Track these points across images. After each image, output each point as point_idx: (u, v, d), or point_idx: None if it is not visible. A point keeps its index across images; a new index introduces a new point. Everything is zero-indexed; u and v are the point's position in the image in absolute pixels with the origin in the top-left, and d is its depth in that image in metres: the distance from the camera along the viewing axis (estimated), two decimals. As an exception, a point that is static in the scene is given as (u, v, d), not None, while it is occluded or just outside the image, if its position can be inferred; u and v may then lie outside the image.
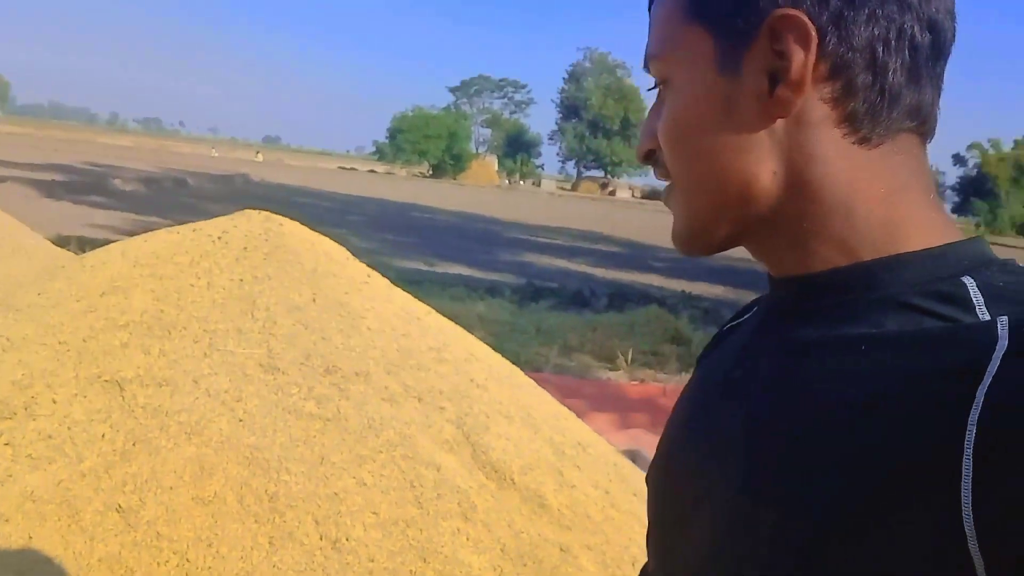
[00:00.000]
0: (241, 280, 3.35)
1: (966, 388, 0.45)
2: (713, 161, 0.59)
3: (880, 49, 0.54)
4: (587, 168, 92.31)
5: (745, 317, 0.74)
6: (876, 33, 0.54)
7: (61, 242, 8.21)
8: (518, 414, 3.54)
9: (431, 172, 78.04)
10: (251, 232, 3.63)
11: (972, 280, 0.52)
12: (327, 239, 3.91)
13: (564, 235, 22.05)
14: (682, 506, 0.63)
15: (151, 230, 4.10)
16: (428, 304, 3.97)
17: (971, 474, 0.43)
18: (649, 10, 0.65)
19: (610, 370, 6.89)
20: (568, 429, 3.78)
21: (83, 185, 20.80)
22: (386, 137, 78.42)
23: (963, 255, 0.55)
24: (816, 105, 0.56)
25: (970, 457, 0.43)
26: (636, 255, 18.47)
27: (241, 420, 2.87)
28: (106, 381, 2.86)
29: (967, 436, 0.43)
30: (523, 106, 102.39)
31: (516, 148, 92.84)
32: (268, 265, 3.45)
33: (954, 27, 0.57)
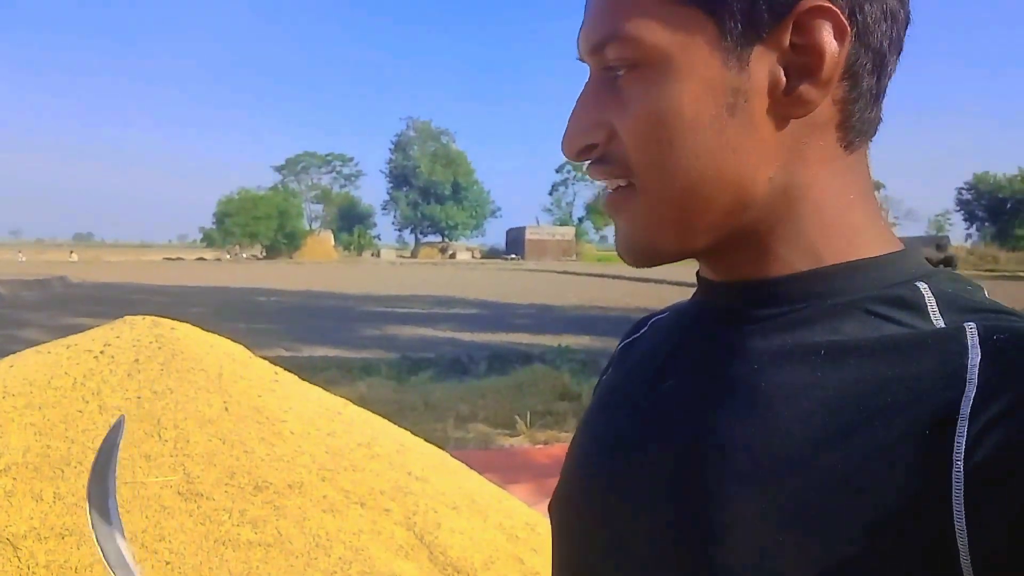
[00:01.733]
0: (139, 397, 2.94)
1: (946, 400, 0.45)
2: (709, 163, 0.53)
3: (885, 49, 0.53)
4: (424, 234, 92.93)
5: (641, 332, 0.73)
6: (885, 32, 0.53)
7: None
8: (463, 503, 3.29)
9: (265, 253, 75.80)
10: (139, 341, 3.22)
11: (926, 286, 0.53)
12: (224, 339, 3.53)
13: (419, 303, 21.79)
14: (613, 542, 0.58)
15: None
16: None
17: (963, 488, 0.42)
18: None
19: (510, 436, 6.74)
20: (513, 510, 3.55)
21: None
22: (213, 223, 75.66)
23: (913, 262, 0.55)
24: (825, 106, 0.53)
25: (960, 473, 0.43)
26: (496, 315, 18.50)
27: (168, 563, 2.46)
28: (-13, 548, 2.38)
29: (955, 451, 0.43)
30: (352, 179, 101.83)
31: (350, 221, 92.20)
32: (167, 376, 3.05)
33: None
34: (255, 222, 73.02)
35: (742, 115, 0.53)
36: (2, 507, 2.49)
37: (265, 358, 4.21)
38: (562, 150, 0.58)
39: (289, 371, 3.89)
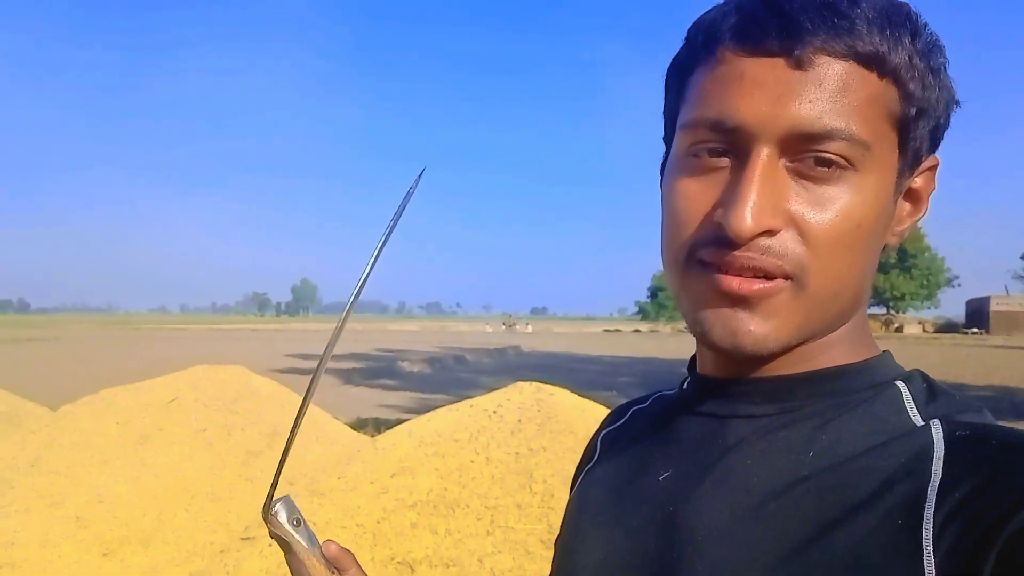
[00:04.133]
0: (517, 453, 3.37)
1: (915, 491, 0.49)
2: (860, 276, 0.57)
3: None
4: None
5: (623, 421, 0.75)
6: None
7: (359, 424, 8.96)
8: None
9: (696, 326, 77.36)
10: (524, 404, 3.69)
11: (905, 385, 0.58)
12: (597, 405, 3.87)
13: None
14: None
15: (434, 407, 4.36)
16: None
17: (935, 572, 0.46)
18: (795, 48, 0.52)
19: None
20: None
21: (376, 370, 22.95)
22: (648, 296, 79.55)
23: (891, 362, 0.61)
24: None
25: (931, 558, 0.46)
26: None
27: (526, 601, 2.79)
28: (399, 563, 2.94)
29: (924, 536, 0.47)
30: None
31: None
32: (542, 436, 3.46)
33: None
34: (687, 295, 75.22)
35: (882, 237, 0.58)
36: (407, 535, 3.05)
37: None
38: (738, 224, 0.53)
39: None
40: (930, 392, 0.57)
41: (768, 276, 0.54)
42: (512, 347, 35.52)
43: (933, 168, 0.60)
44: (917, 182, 0.59)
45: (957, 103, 0.58)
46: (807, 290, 0.55)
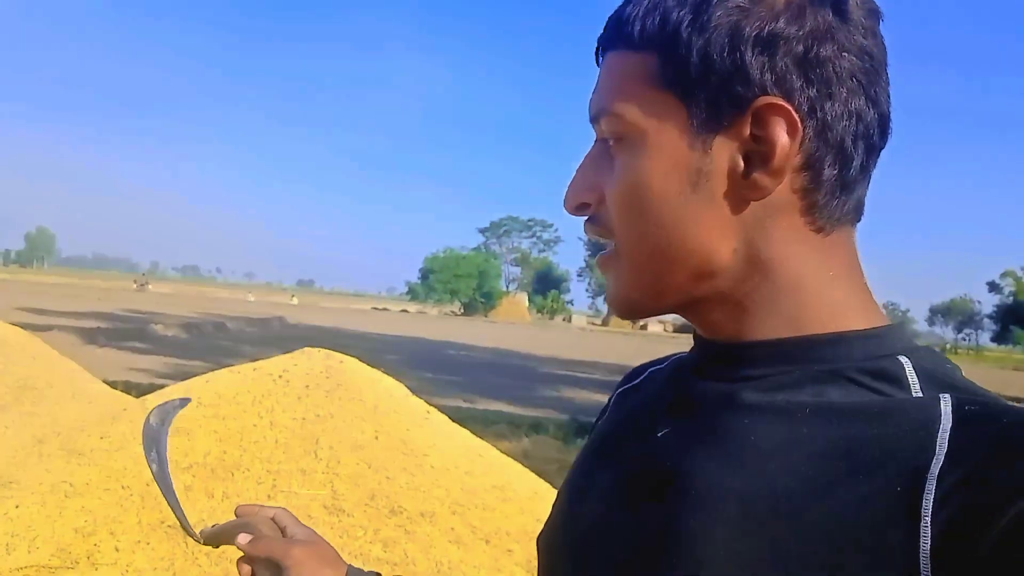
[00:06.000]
0: (304, 419, 3.31)
1: (919, 461, 0.48)
2: (673, 232, 0.58)
3: (848, 145, 0.57)
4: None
5: (638, 380, 0.77)
6: (847, 129, 0.56)
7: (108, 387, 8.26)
8: (588, 556, 3.37)
9: (462, 310, 79.00)
10: (312, 370, 3.61)
11: (908, 360, 0.56)
12: (387, 376, 3.88)
13: (600, 369, 21.87)
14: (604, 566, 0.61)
15: (192, 373, 4.14)
16: (474, 442, 3.90)
17: (929, 543, 0.46)
18: (599, 59, 0.64)
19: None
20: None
21: (125, 332, 21.25)
22: (418, 278, 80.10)
23: (898, 337, 0.58)
24: (785, 192, 0.57)
25: (928, 529, 0.46)
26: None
27: (307, 566, 2.75)
28: (169, 527, 2.78)
29: (924, 508, 0.46)
30: (551, 244, 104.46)
31: (545, 285, 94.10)
32: (330, 403, 3.41)
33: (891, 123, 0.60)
34: (456, 280, 76.61)
35: (704, 192, 0.57)
36: (180, 498, 2.89)
37: (443, 407, 4.55)
38: (565, 202, 0.64)
39: (461, 421, 4.17)
40: (937, 367, 0.57)
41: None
42: (277, 318, 34.33)
43: (769, 110, 0.55)
44: (754, 131, 0.56)
45: (764, 39, 0.55)
46: (624, 252, 0.61)
